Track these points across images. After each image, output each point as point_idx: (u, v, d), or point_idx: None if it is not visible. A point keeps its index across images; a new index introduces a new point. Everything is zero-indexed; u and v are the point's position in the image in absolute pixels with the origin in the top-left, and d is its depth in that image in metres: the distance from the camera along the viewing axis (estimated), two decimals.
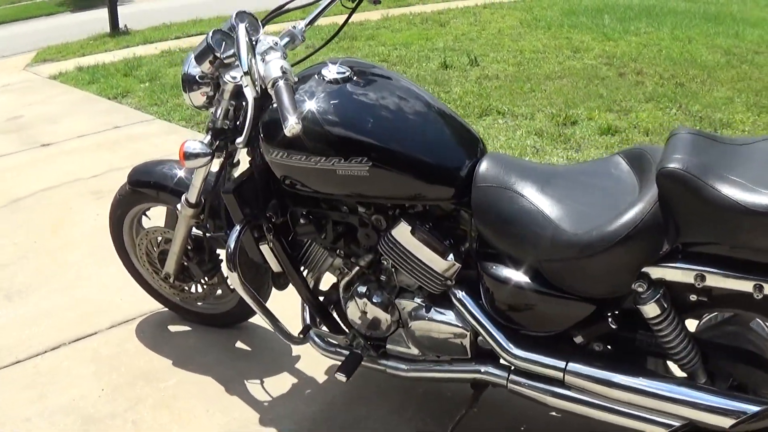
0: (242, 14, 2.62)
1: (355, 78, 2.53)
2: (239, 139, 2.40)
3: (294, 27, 2.76)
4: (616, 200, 2.30)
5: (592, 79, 7.55)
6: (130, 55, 9.52)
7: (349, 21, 2.93)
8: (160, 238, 3.40)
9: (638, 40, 9.23)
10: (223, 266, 2.94)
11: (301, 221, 2.68)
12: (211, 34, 2.61)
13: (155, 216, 3.52)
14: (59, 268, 4.33)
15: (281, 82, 2.19)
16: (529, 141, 5.89)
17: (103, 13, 11.73)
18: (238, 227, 2.70)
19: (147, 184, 3.26)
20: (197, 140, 2.63)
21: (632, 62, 8.16)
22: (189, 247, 3.21)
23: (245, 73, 2.24)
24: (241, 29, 2.32)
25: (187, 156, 2.60)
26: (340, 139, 2.41)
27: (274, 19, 2.85)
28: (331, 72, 2.51)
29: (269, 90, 2.23)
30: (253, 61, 2.30)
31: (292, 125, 2.06)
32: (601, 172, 2.48)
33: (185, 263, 3.26)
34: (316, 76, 2.53)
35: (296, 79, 2.42)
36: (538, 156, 5.56)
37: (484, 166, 2.44)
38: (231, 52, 2.56)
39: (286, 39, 2.76)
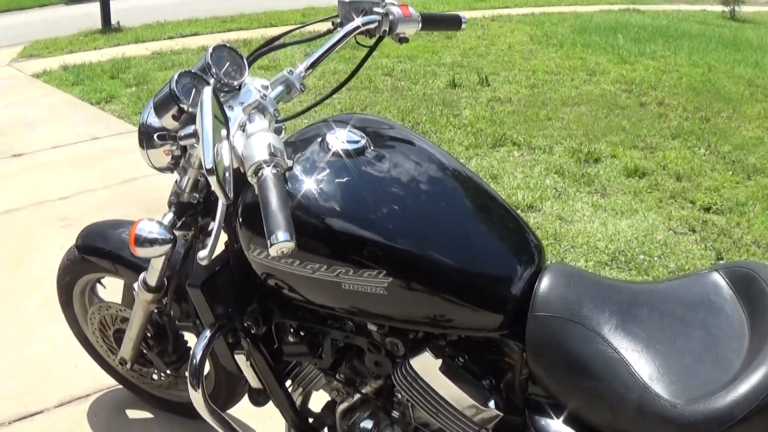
0: (220, 50, 1.90)
1: (371, 148, 1.82)
2: (202, 253, 1.65)
3: (290, 71, 1.98)
4: (724, 349, 1.63)
5: (612, 108, 6.88)
6: (119, 55, 8.78)
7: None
8: (115, 315, 2.69)
9: (656, 65, 8.57)
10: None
11: (290, 338, 1.98)
12: (176, 77, 1.82)
13: (112, 284, 2.80)
14: (9, 316, 3.62)
15: (268, 171, 1.49)
16: (548, 180, 5.20)
17: (98, 6, 10.95)
18: (207, 333, 1.98)
19: (99, 253, 2.53)
20: (155, 220, 1.89)
21: (652, 90, 7.50)
22: (149, 334, 2.49)
23: (209, 171, 1.48)
24: (207, 96, 1.56)
25: (140, 241, 1.85)
26: (350, 242, 1.70)
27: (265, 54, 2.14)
28: (338, 140, 1.80)
29: (250, 179, 1.53)
30: (221, 146, 1.55)
31: (280, 245, 1.36)
32: (697, 298, 1.77)
33: (144, 351, 2.55)
34: (318, 144, 1.82)
35: (290, 164, 1.72)
36: (561, 201, 4.86)
37: (545, 286, 1.74)
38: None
39: (279, 88, 1.96)
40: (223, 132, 1.59)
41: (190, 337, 2.42)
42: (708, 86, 7.71)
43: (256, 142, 1.54)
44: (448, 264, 1.71)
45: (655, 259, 4.14)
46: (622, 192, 5.04)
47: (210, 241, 1.64)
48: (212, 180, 1.47)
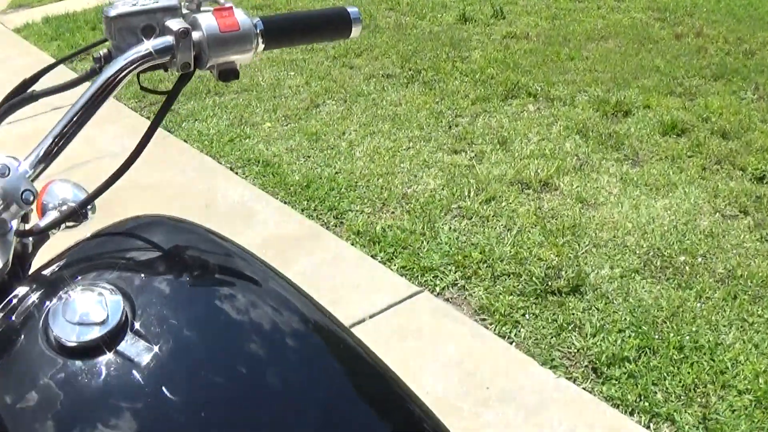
0: None
1: (135, 328, 0.89)
2: None
3: (4, 170, 0.96)
4: None
5: (644, 43, 5.79)
6: (106, 0, 7.79)
7: None
8: None
9: None
10: None
11: None
12: None
13: None
14: None
15: None
16: (569, 144, 4.20)
17: None
18: None
19: None
20: None
21: (688, 17, 6.36)
22: None
23: None
24: None
25: None
26: None
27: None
28: (69, 322, 0.87)
29: None
30: None
31: None
32: None
33: None
34: (26, 337, 0.91)
35: None
36: (582, 174, 3.86)
37: None
38: None
39: None
40: None
41: None
42: (750, 11, 6.54)
43: None
44: None
45: (699, 260, 3.16)
46: (658, 157, 4.03)
47: None
48: None
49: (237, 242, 1.10)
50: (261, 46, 1.10)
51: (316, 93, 5.07)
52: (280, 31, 1.13)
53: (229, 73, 1.08)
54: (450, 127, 4.49)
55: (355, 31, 1.19)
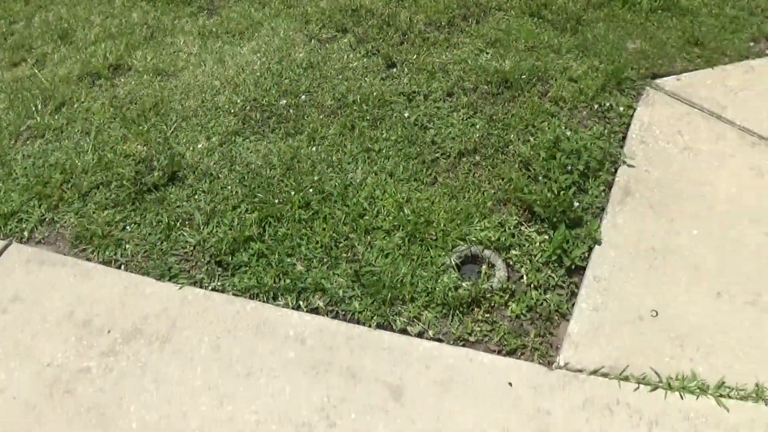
0: None
1: None
2: None
3: None
4: None
5: None
6: None
7: None
8: None
9: None
10: None
11: None
12: None
13: None
14: None
15: None
16: (135, 14, 3.67)
17: None
18: None
19: None
20: None
21: None
22: None
23: None
24: None
25: None
26: None
27: None
28: None
29: None
30: None
31: None
32: None
33: None
34: None
35: None
36: (156, 43, 3.35)
37: None
38: None
39: None
40: None
41: None
42: None
43: None
44: None
45: (303, 98, 2.82)
46: (234, 0, 3.61)
47: None
48: None
49: None
50: None
51: None
52: None
53: None
54: (6, 38, 3.80)
55: None
